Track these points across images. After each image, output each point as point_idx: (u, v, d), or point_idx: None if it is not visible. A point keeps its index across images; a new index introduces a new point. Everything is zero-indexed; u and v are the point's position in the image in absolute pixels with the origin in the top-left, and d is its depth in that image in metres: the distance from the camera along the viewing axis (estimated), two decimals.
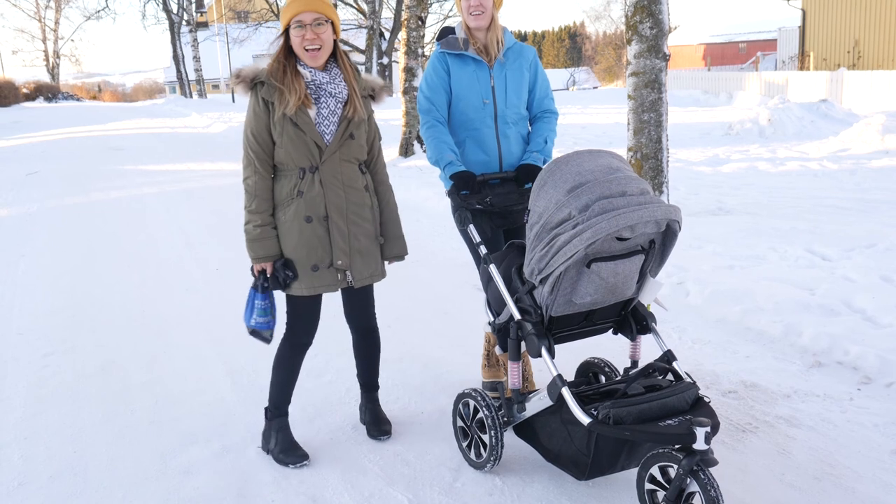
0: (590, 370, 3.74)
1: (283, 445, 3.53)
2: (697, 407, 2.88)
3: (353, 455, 3.56)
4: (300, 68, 3.32)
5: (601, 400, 2.95)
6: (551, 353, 3.04)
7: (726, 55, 46.50)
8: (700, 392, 2.95)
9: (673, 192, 9.51)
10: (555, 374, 2.95)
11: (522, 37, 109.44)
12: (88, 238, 8.48)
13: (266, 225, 3.34)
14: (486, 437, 3.32)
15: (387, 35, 35.98)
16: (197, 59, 39.33)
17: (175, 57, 42.07)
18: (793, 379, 4.26)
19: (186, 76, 41.88)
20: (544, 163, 3.81)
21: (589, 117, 21.36)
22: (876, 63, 26.24)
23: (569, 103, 26.33)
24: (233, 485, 3.35)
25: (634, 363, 3.33)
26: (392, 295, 5.50)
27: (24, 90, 44.01)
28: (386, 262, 3.63)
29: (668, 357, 3.14)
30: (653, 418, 2.79)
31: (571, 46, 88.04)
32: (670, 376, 3.12)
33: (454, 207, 3.69)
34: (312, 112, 3.31)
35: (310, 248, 3.34)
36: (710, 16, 53.72)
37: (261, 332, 3.49)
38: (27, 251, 7.93)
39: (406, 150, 13.07)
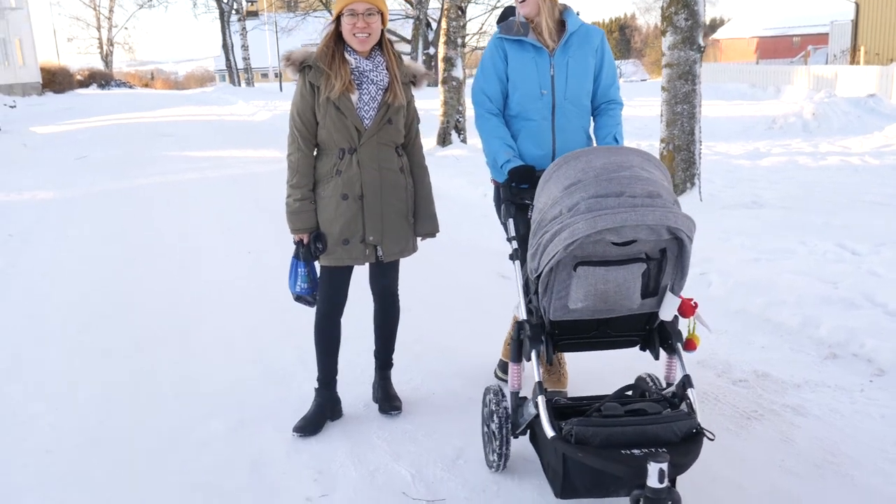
0: (640, 386, 3.35)
1: (307, 414, 3.71)
2: (690, 441, 2.64)
3: (363, 431, 3.68)
4: (346, 55, 3.49)
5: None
6: (547, 359, 2.98)
7: (779, 49, 45.71)
8: (699, 425, 2.70)
9: (709, 184, 9.44)
10: (536, 380, 2.85)
11: None
12: (131, 222, 8.75)
13: (305, 199, 3.54)
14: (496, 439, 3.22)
15: (433, 25, 36.12)
16: (245, 47, 39.90)
17: (224, 45, 42.75)
18: (806, 370, 4.28)
19: (235, 65, 42.52)
20: None
21: (632, 110, 21.09)
22: None
23: None
24: (247, 457, 3.49)
25: (669, 384, 3.08)
26: (418, 280, 5.62)
27: (78, 77, 45.09)
28: (419, 239, 3.81)
29: (684, 383, 2.90)
30: (624, 444, 2.58)
31: (620, 38, 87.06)
32: (683, 405, 2.87)
33: (503, 199, 3.52)
34: (354, 97, 3.48)
35: (344, 223, 3.53)
36: (763, 9, 52.71)
37: (305, 297, 3.72)
38: (71, 234, 8.20)
39: (444, 140, 13.17)
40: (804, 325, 4.81)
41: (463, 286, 6.06)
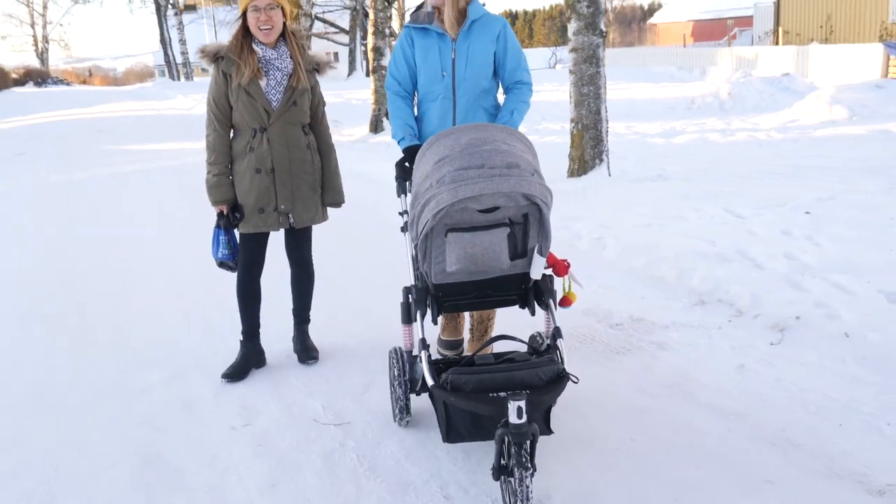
0: (531, 343, 3.71)
1: (233, 362, 4.22)
2: (554, 383, 2.93)
3: (284, 376, 4.21)
4: (254, 46, 3.98)
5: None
6: (433, 319, 3.33)
7: (715, 31, 46.81)
8: (563, 370, 2.99)
9: (622, 161, 10.09)
10: (419, 338, 3.17)
11: (513, 16, 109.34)
12: (72, 209, 9.10)
13: (222, 174, 4.04)
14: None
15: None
16: (183, 41, 39.68)
17: (162, 40, 42.49)
18: (675, 314, 4.89)
19: (174, 59, 42.30)
20: None
21: (563, 94, 21.74)
22: (848, 37, 26.77)
23: (547, 81, 26.78)
24: (179, 400, 3.99)
25: (545, 337, 3.44)
26: (343, 251, 6.18)
27: (14, 75, 44.33)
28: (327, 209, 4.33)
29: (554, 334, 3.25)
30: (493, 389, 2.85)
31: (561, 25, 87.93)
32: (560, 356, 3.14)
33: (396, 176, 3.89)
34: (263, 83, 3.98)
35: (258, 194, 4.03)
36: None
37: (227, 263, 4.20)
38: (13, 221, 8.53)
39: (375, 127, 13.65)
40: (680, 277, 5.44)
41: (384, 259, 6.55)
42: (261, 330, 4.35)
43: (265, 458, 3.40)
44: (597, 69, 8.50)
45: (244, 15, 3.96)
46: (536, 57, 44.38)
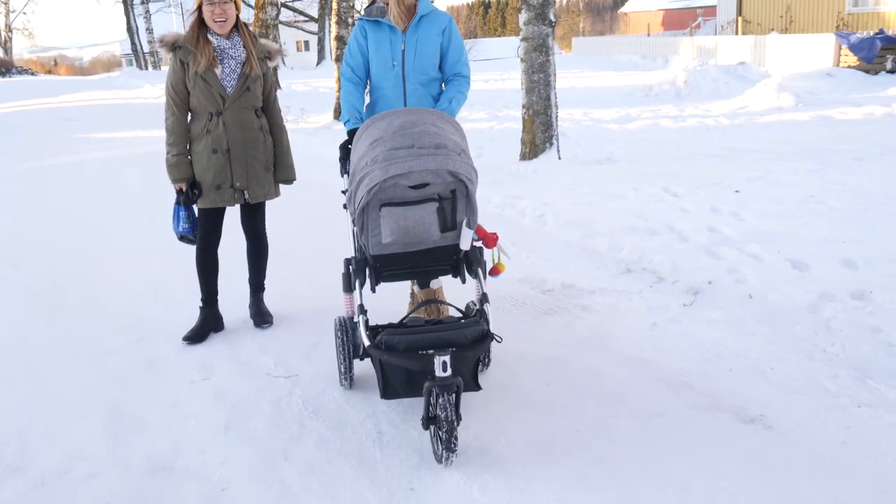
0: (466, 311, 3.92)
1: (193, 326, 4.62)
2: (480, 341, 3.21)
3: (240, 338, 4.62)
4: (210, 36, 4.35)
5: None
6: (371, 288, 3.57)
7: (685, 20, 47.39)
8: (487, 330, 3.27)
9: (574, 145, 10.53)
10: (358, 303, 3.44)
11: (486, 5, 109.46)
12: (41, 195, 9.40)
13: (181, 154, 4.43)
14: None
15: None
16: (150, 30, 39.61)
17: (129, 29, 42.34)
18: (603, 281, 5.35)
19: (141, 48, 42.19)
20: None
21: None
22: (807, 27, 27.44)
23: (514, 70, 27.25)
24: (143, 359, 4.38)
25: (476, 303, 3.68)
26: (306, 233, 6.54)
27: None
28: (280, 185, 4.75)
29: (482, 299, 3.52)
30: (423, 347, 3.12)
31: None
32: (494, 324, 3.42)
33: (340, 157, 4.19)
34: (218, 70, 4.37)
35: (215, 172, 4.42)
36: None
37: (187, 236, 4.58)
38: None
39: (339, 114, 14.00)
40: (611, 249, 5.90)
41: (340, 236, 6.94)
42: (220, 298, 4.74)
43: (220, 405, 3.81)
44: (546, 57, 8.94)
45: (199, 8, 4.34)
46: (506, 46, 44.74)
